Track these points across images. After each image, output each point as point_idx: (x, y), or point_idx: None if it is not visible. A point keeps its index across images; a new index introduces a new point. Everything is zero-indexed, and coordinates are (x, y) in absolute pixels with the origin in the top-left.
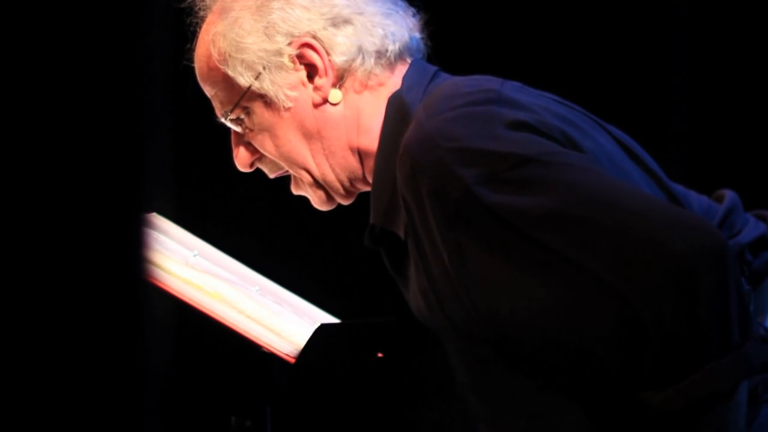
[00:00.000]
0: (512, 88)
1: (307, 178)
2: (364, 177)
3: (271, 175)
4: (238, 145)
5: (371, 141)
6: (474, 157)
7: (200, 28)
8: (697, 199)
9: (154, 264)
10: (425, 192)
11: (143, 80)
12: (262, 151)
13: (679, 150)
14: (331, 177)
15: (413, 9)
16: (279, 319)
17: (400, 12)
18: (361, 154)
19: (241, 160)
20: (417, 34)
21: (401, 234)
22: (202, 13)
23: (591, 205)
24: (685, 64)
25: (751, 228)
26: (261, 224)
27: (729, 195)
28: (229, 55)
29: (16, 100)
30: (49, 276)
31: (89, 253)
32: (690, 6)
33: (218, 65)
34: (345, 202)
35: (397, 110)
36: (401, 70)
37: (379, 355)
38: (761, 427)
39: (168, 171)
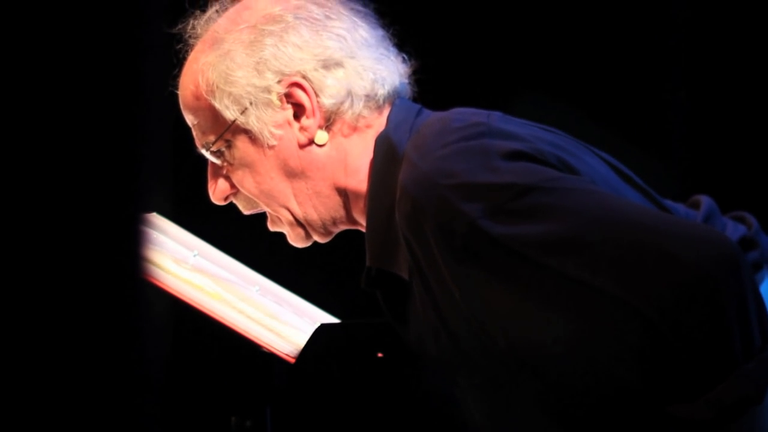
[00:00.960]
0: (499, 120)
1: (287, 216)
2: (348, 217)
3: (246, 212)
4: (214, 177)
5: (359, 182)
6: (476, 192)
7: (188, 55)
8: (680, 209)
9: (154, 264)
10: (429, 231)
11: (143, 80)
12: (239, 187)
13: (677, 154)
14: (313, 216)
15: (404, 55)
16: (279, 319)
17: (392, 57)
18: (348, 195)
19: (218, 193)
20: (406, 80)
21: (403, 274)
22: (192, 41)
23: (599, 225)
24: (685, 67)
25: (731, 231)
26: (261, 224)
27: (705, 200)
28: (217, 87)
29: (17, 101)
30: (48, 275)
31: (88, 253)
32: (690, 8)
33: (204, 95)
34: (323, 241)
35: (386, 150)
36: (388, 111)
37: (379, 355)
38: None
39: (167, 171)
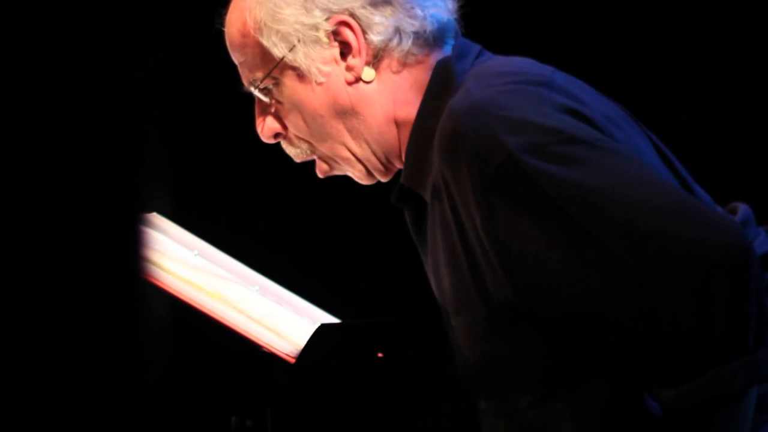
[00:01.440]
0: (563, 78)
1: (343, 153)
2: (401, 152)
3: (298, 159)
4: (262, 115)
5: (409, 112)
6: (521, 127)
7: None
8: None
9: (154, 264)
10: (463, 155)
11: (142, 79)
12: (291, 127)
13: (679, 151)
14: (367, 152)
15: None
16: (279, 319)
17: None
18: (399, 125)
19: (267, 131)
20: (454, 17)
21: (426, 197)
22: None
23: (628, 192)
24: (686, 66)
25: (762, 241)
26: (261, 224)
27: (743, 208)
28: (265, 24)
29: (15, 101)
30: (48, 276)
31: (88, 253)
32: (691, 6)
33: (252, 33)
34: (384, 179)
35: (444, 75)
36: (439, 49)
37: (379, 355)
38: None
39: (167, 171)
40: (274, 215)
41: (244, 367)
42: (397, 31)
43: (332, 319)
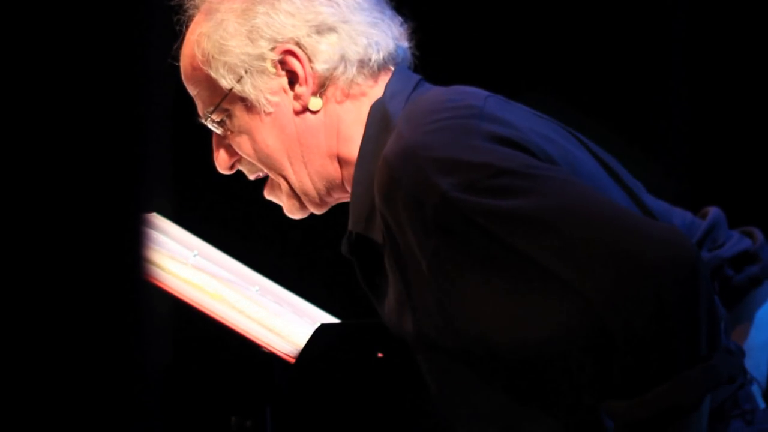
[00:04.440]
0: (495, 104)
1: (283, 185)
2: (342, 185)
3: (251, 176)
4: (218, 147)
5: (351, 149)
6: (451, 166)
7: (187, 27)
8: (680, 215)
9: (154, 264)
10: (401, 201)
11: (143, 79)
12: (240, 153)
13: (678, 151)
14: (308, 185)
15: (401, 18)
16: (279, 319)
17: (387, 21)
18: (340, 162)
19: (221, 162)
20: (404, 44)
21: (380, 241)
22: (190, 12)
23: (566, 214)
24: (685, 66)
25: (734, 243)
26: (261, 224)
27: (713, 211)
28: (212, 57)
29: (16, 100)
30: (49, 276)
31: (89, 253)
32: (691, 5)
33: (201, 66)
34: (317, 212)
35: (380, 119)
36: (384, 79)
37: (379, 355)
38: None
39: (168, 171)
40: (275, 215)
41: (244, 367)
42: (342, 58)
43: (332, 319)
